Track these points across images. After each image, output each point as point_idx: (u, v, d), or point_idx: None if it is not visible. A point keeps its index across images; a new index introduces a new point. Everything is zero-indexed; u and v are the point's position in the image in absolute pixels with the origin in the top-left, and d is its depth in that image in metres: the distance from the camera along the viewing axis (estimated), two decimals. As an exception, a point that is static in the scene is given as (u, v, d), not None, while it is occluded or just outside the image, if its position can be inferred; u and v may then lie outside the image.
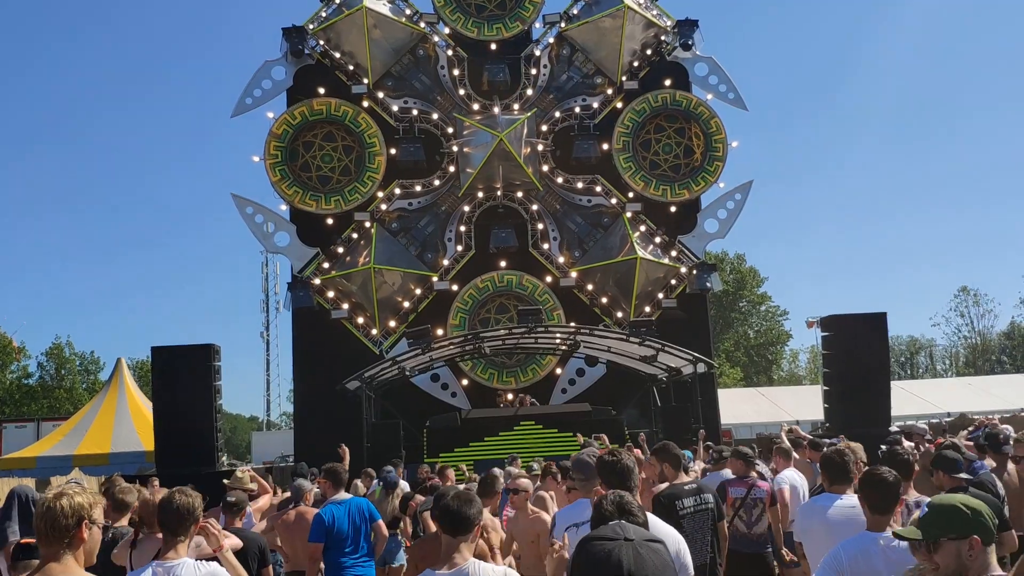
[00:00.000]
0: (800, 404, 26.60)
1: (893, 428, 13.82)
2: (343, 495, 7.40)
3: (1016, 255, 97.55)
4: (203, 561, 4.11)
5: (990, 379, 38.91)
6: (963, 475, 5.88)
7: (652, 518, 4.14)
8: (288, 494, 9.04)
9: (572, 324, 19.96)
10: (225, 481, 7.84)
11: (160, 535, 5.49)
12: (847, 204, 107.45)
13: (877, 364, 18.44)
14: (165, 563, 3.95)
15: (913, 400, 26.95)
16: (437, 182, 22.82)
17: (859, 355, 18.09)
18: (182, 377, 16.91)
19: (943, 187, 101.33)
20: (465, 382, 22.08)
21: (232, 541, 5.06)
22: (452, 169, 22.77)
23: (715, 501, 5.84)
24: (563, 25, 23.77)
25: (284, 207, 22.29)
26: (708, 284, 22.67)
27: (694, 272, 22.61)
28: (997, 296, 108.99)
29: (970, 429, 14.19)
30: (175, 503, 4.11)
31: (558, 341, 20.45)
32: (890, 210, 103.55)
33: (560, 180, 23.15)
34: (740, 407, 27.62)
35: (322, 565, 7.30)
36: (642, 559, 1.59)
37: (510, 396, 21.57)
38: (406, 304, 22.16)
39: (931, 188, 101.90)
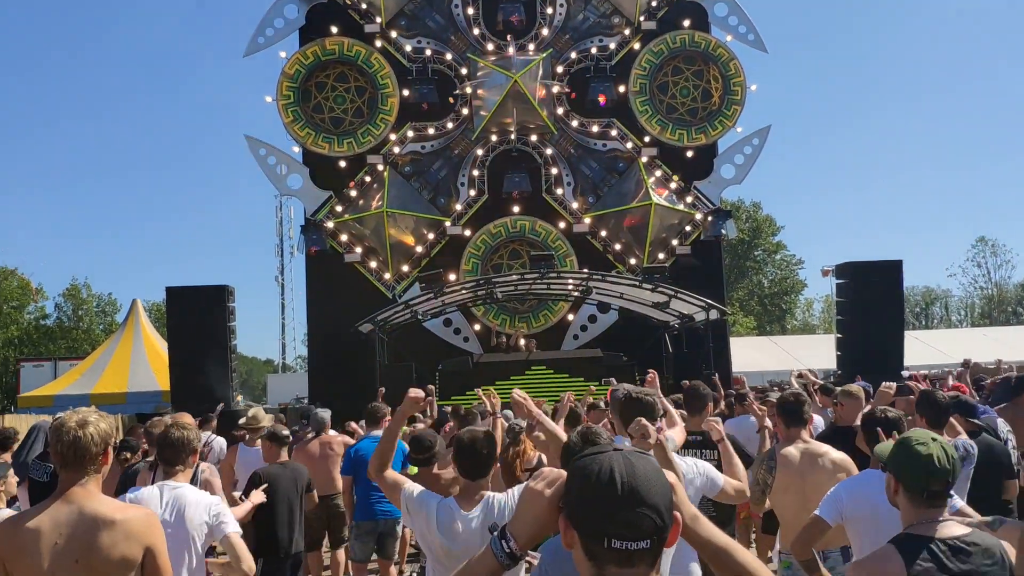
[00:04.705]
0: (813, 353, 26.49)
1: (905, 374, 13.69)
2: (378, 432, 7.63)
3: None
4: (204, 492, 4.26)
5: (1005, 330, 38.65)
6: (976, 420, 5.89)
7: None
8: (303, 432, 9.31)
9: (585, 270, 19.89)
10: (241, 421, 8.04)
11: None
12: (865, 152, 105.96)
13: (892, 313, 18.26)
14: (169, 483, 4.21)
15: (927, 350, 26.80)
16: (450, 125, 22.57)
17: (873, 304, 17.92)
18: (197, 318, 16.89)
19: (964, 136, 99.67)
20: (477, 327, 22.14)
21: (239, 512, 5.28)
22: (465, 112, 22.50)
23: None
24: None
25: (297, 149, 22.17)
26: (723, 231, 22.48)
27: (709, 219, 22.41)
28: (1015, 247, 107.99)
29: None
30: (171, 436, 4.43)
31: (570, 287, 20.41)
32: (909, 159, 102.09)
33: (575, 124, 22.84)
34: (752, 355, 27.56)
35: None
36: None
37: (521, 339, 21.13)
38: (419, 248, 22.13)
39: (952, 137, 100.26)
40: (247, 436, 8.46)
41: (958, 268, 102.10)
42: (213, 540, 4.08)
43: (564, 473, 1.80)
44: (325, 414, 8.76)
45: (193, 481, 5.06)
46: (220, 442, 9.59)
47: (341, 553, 8.29)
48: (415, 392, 3.97)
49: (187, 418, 6.52)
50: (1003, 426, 6.58)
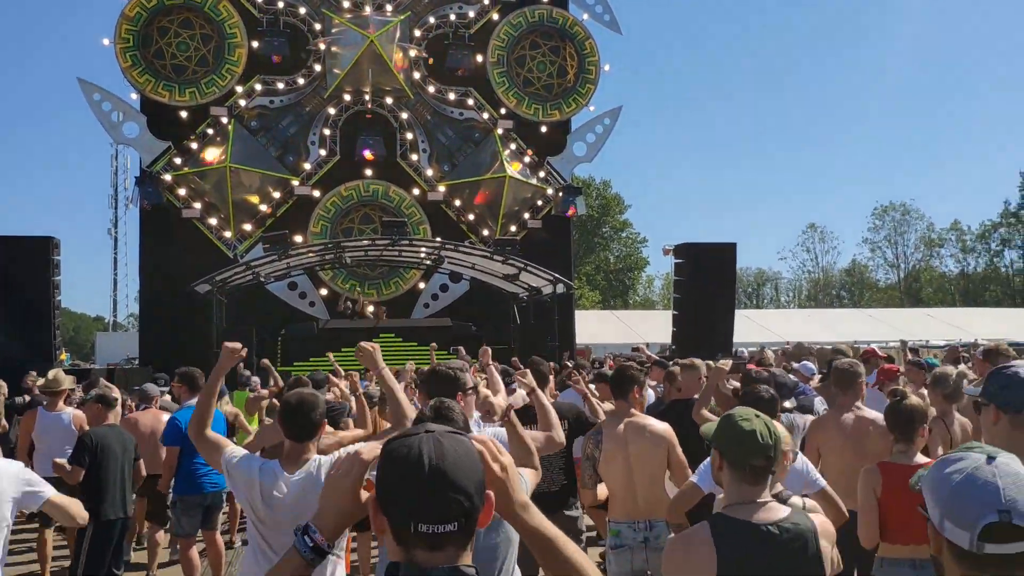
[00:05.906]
0: (651, 328, 27.56)
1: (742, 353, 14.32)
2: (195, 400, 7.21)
3: (862, 195, 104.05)
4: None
5: (829, 312, 41.67)
6: (787, 401, 6.24)
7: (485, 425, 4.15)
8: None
9: (438, 239, 19.81)
10: (40, 381, 7.57)
11: None
12: (709, 138, 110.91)
13: (724, 293, 19.33)
14: None
15: (756, 328, 28.44)
16: (301, 80, 21.78)
17: (708, 283, 18.90)
18: (17, 270, 16.00)
19: (802, 126, 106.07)
20: (324, 292, 21.65)
21: None
22: (318, 68, 21.78)
23: (573, 425, 5.86)
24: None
25: (135, 96, 20.80)
26: (573, 207, 22.94)
27: (560, 194, 22.80)
28: (842, 234, 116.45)
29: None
30: None
31: (422, 255, 20.28)
32: (749, 146, 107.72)
33: (432, 90, 22.58)
34: (596, 328, 28.38)
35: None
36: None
37: (369, 306, 20.86)
38: (264, 207, 21.32)
39: (790, 127, 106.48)
40: (46, 400, 7.94)
41: (789, 252, 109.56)
42: (29, 509, 3.83)
43: (363, 456, 1.77)
44: (153, 389, 8.35)
45: None
46: None
47: (161, 534, 7.90)
48: (232, 344, 3.85)
49: None
50: (820, 404, 6.97)
